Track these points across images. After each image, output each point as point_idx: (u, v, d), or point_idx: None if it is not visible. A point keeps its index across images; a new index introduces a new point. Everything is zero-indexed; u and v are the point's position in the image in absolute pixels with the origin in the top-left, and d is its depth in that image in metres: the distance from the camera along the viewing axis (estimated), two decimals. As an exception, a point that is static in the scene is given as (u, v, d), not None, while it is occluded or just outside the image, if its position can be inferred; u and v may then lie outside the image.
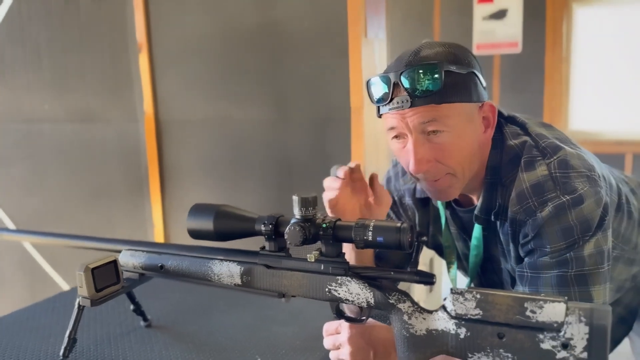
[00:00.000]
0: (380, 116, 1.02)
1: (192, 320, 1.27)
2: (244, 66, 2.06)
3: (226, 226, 0.93)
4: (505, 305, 0.73)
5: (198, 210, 0.95)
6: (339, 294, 0.84)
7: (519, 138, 1.02)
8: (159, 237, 2.37)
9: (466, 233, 1.14)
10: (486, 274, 1.15)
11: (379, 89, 0.97)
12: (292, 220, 0.85)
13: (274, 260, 0.90)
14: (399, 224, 0.79)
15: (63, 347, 1.05)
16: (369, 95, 1.00)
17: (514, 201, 0.97)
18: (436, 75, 0.92)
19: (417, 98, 0.93)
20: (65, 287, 2.69)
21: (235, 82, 2.08)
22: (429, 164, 0.97)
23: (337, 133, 1.89)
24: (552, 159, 0.97)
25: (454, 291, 0.77)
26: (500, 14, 3.86)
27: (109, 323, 1.27)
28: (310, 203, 0.85)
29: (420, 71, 0.92)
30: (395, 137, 1.00)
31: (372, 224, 0.81)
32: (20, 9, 2.47)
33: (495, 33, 3.85)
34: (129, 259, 1.03)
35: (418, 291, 2.27)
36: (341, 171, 1.05)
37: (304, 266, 0.87)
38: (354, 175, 1.07)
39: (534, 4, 4.04)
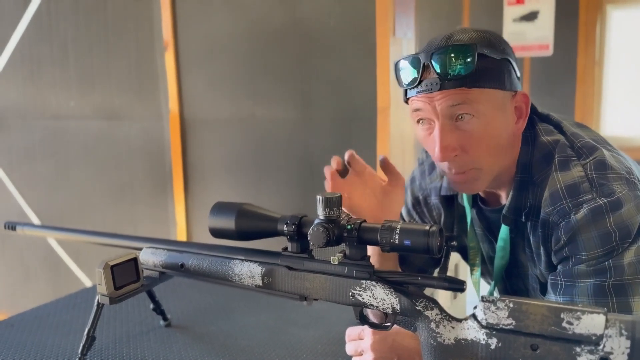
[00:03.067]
0: (407, 101, 0.98)
1: (211, 320, 1.25)
2: (269, 65, 2.05)
3: (248, 225, 0.90)
4: (540, 316, 0.69)
5: (220, 208, 0.93)
6: (363, 298, 0.81)
7: (552, 135, 0.98)
8: (181, 235, 2.37)
9: (492, 234, 1.09)
10: (511, 279, 1.10)
11: (408, 71, 0.93)
12: (316, 221, 0.82)
13: (296, 262, 0.87)
14: (427, 227, 0.76)
15: (81, 345, 1.04)
16: (397, 77, 0.96)
17: (546, 201, 0.92)
18: (469, 58, 0.87)
19: (447, 81, 0.89)
20: (88, 283, 2.70)
21: (259, 81, 2.06)
22: (455, 152, 0.92)
23: (362, 133, 1.86)
24: (588, 160, 0.92)
25: (485, 299, 0.73)
26: (531, 16, 3.78)
27: (129, 321, 1.25)
28: (335, 203, 0.82)
29: (452, 54, 0.88)
30: (422, 122, 0.96)
31: (399, 226, 0.77)
32: (48, 7, 2.49)
33: (526, 35, 3.77)
34: (150, 257, 1.01)
35: (442, 298, 2.22)
36: (334, 163, 1.03)
37: (327, 269, 0.84)
38: (356, 168, 1.03)
39: (567, 6, 3.95)
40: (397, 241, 0.77)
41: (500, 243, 1.04)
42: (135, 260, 0.99)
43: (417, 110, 0.95)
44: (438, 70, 0.89)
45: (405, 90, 0.96)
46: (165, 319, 1.22)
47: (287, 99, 2.02)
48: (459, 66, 0.88)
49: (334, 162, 1.03)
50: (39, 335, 1.20)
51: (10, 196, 2.75)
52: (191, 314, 1.29)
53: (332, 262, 0.81)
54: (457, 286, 0.77)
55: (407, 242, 0.77)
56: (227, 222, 0.91)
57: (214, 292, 1.39)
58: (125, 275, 0.97)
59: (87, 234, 1.18)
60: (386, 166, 1.06)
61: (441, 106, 0.91)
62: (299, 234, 0.86)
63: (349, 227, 0.81)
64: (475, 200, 1.10)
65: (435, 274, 0.83)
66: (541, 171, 0.96)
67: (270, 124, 2.07)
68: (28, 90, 2.63)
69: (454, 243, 0.78)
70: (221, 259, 0.94)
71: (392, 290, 0.79)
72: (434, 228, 0.76)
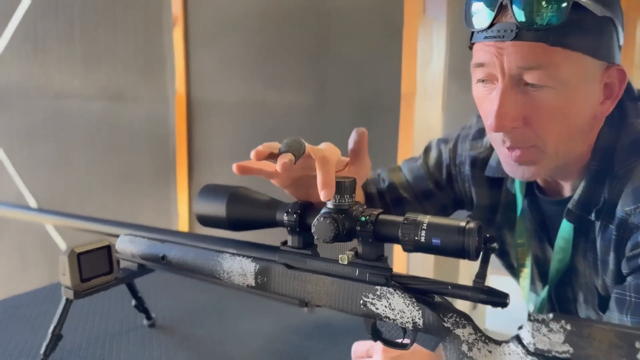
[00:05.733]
0: (471, 47, 0.79)
1: (201, 322, 1.10)
2: (284, 45, 1.89)
3: (241, 212, 0.75)
4: (607, 343, 0.53)
5: (209, 191, 0.78)
6: (376, 308, 0.65)
7: None
8: (183, 226, 2.23)
9: (545, 231, 0.92)
10: (559, 288, 0.92)
11: (481, 11, 0.74)
12: (323, 210, 0.67)
13: (297, 259, 0.71)
14: (463, 223, 0.60)
15: (45, 344, 0.89)
16: (465, 16, 0.77)
17: (628, 198, 0.74)
18: (563, 4, 0.68)
19: (525, 30, 0.70)
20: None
21: (273, 62, 1.91)
22: (515, 123, 0.74)
23: (383, 122, 1.69)
24: None
25: (533, 318, 0.57)
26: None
27: (109, 318, 1.10)
28: (347, 189, 0.67)
29: None
30: (482, 79, 0.77)
31: (426, 220, 0.61)
32: (56, -21, 2.37)
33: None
34: (127, 246, 0.86)
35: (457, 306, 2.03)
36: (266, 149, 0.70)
37: (334, 269, 0.68)
38: (359, 153, 0.79)
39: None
40: (423, 239, 0.61)
41: (560, 243, 0.86)
42: (108, 248, 0.84)
43: (479, 65, 0.76)
44: (517, 13, 0.70)
45: (472, 34, 0.78)
46: (148, 317, 1.07)
47: (301, 82, 1.86)
48: (545, 13, 0.69)
49: (266, 148, 0.70)
50: (8, 329, 1.06)
51: (10, 179, 2.64)
52: (179, 313, 1.14)
53: (340, 262, 0.65)
54: (498, 299, 0.61)
55: (435, 241, 0.61)
56: (217, 208, 0.76)
57: (207, 290, 1.24)
58: (95, 266, 0.82)
59: (51, 215, 1.03)
60: (360, 144, 0.78)
61: (510, 63, 0.72)
62: (301, 225, 0.70)
63: (363, 219, 0.65)
64: (530, 187, 0.92)
65: (459, 280, 0.67)
66: (626, 161, 0.77)
67: (282, 109, 1.91)
68: (32, 69, 2.51)
69: (495, 245, 0.62)
70: (209, 252, 0.79)
71: (413, 300, 0.63)
72: (471, 225, 0.59)
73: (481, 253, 0.62)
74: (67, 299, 0.88)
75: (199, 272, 0.79)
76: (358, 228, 0.65)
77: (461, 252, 0.60)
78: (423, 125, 1.64)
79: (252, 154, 0.69)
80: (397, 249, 1.78)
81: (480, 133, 0.99)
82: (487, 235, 0.62)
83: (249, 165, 0.72)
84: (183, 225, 2.22)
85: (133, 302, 1.05)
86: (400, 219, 0.63)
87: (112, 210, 2.39)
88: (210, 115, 2.11)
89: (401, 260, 1.73)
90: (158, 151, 2.26)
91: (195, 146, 2.15)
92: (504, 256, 1.02)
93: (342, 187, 0.67)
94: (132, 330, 1.05)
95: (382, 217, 0.65)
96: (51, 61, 2.44)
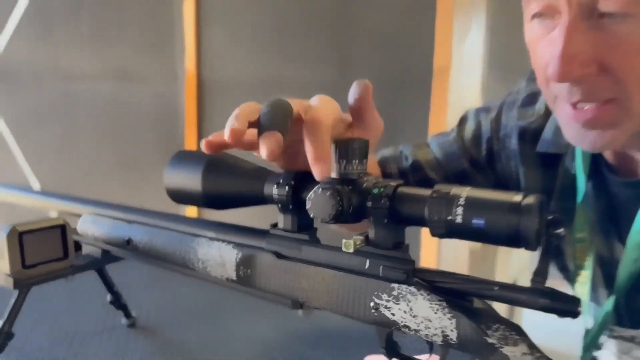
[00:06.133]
0: None
1: (190, 324, 0.94)
2: (302, 17, 1.72)
3: (221, 185, 0.58)
4: None
5: (182, 159, 0.62)
6: (392, 314, 0.48)
7: None
8: (191, 212, 2.07)
9: (614, 222, 0.72)
10: (631, 297, 0.71)
11: None
12: (323, 181, 0.50)
13: (290, 246, 0.54)
14: (518, 197, 0.42)
15: (-8, 345, 0.74)
16: None
17: None
18: None
19: None
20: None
21: (290, 36, 1.74)
22: (585, 69, 0.55)
23: (413, 99, 1.50)
24: None
25: (616, 334, 0.39)
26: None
27: (83, 315, 0.95)
28: (355, 153, 0.50)
29: None
30: (539, 14, 0.58)
31: (464, 193, 0.44)
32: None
33: None
34: (89, 227, 0.71)
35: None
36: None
37: (337, 260, 0.51)
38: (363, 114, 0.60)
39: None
40: (459, 219, 0.43)
41: (635, 238, 0.67)
42: (62, 228, 0.68)
43: None
44: None
45: None
46: (128, 316, 0.91)
47: (321, 57, 1.67)
48: None
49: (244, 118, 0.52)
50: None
51: (15, 162, 2.53)
52: (166, 313, 0.98)
53: (344, 249, 0.48)
54: (566, 306, 0.43)
55: (477, 222, 0.43)
56: (191, 180, 0.59)
57: (202, 287, 1.06)
58: (44, 249, 0.67)
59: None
60: (362, 101, 0.59)
61: None
62: (295, 202, 0.53)
63: (376, 191, 0.48)
64: (595, 165, 0.72)
65: (515, 280, 0.49)
66: None
67: (300, 87, 1.73)
68: (40, 49, 2.40)
69: (561, 231, 0.43)
70: (182, 236, 0.62)
71: (444, 304, 0.46)
72: (530, 200, 0.42)
73: (543, 241, 0.44)
74: (20, 291, 0.72)
75: (169, 261, 0.63)
76: (369, 204, 0.48)
77: (515, 238, 0.42)
78: (458, 104, 1.45)
79: (227, 134, 0.51)
80: (423, 236, 1.58)
81: (532, 98, 0.79)
82: (551, 217, 0.44)
83: (219, 140, 0.54)
84: (191, 210, 2.07)
85: (108, 297, 0.89)
86: (427, 192, 0.46)
87: (118, 194, 2.26)
88: (222, 96, 1.95)
89: (429, 254, 1.52)
90: (166, 133, 2.12)
91: (206, 128, 2.00)
92: (557, 255, 0.83)
93: (349, 151, 0.50)
94: (107, 331, 0.89)
95: (402, 189, 0.48)
96: (59, 40, 2.33)
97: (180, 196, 0.61)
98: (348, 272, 0.50)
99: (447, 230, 0.44)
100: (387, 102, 1.57)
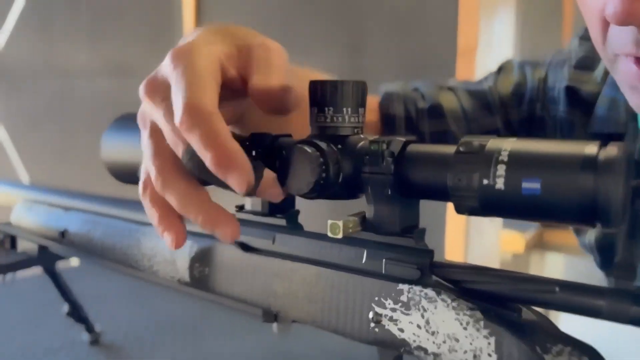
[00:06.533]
0: None
1: (163, 342, 0.79)
2: (307, 1, 1.58)
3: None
4: None
5: (124, 125, 0.48)
6: (401, 329, 0.33)
7: None
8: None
9: None
10: None
11: None
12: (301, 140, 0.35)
13: (259, 235, 0.40)
14: (593, 148, 0.27)
15: None
16: None
17: None
18: None
19: None
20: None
21: (295, 22, 1.59)
22: None
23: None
24: None
25: None
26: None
27: (38, 329, 0.81)
28: (346, 97, 0.35)
29: None
30: None
31: (508, 145, 0.29)
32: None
33: None
34: (24, 217, 0.57)
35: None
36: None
37: (322, 252, 0.37)
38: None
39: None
40: (501, 183, 0.28)
41: None
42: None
43: None
44: None
45: None
46: (90, 330, 0.76)
47: (332, 41, 1.51)
48: None
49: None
50: None
51: (10, 165, 2.42)
52: (137, 327, 0.83)
53: (330, 235, 0.33)
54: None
55: (530, 187, 0.28)
56: (135, 150, 0.45)
57: (183, 298, 0.91)
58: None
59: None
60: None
61: None
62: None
63: (374, 148, 0.33)
64: None
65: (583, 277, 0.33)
66: None
67: (306, 76, 1.60)
68: (37, 45, 2.29)
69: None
70: (125, 225, 0.48)
71: (477, 314, 0.30)
72: (612, 151, 0.26)
73: (626, 217, 0.29)
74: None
75: (109, 257, 0.48)
76: (367, 170, 0.33)
77: (588, 210, 0.27)
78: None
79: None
80: (449, 224, 1.38)
81: (590, 61, 0.63)
82: (636, 183, 0.29)
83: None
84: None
85: (66, 307, 0.74)
86: (450, 148, 0.31)
87: (117, 194, 2.13)
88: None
89: (455, 245, 1.30)
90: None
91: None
92: (605, 251, 0.66)
93: (338, 93, 0.35)
94: (64, 349, 0.75)
95: (413, 147, 0.33)
96: (58, 36, 2.23)
97: (122, 172, 0.46)
98: (337, 269, 0.35)
99: (483, 202, 0.29)
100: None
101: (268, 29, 1.62)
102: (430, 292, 0.31)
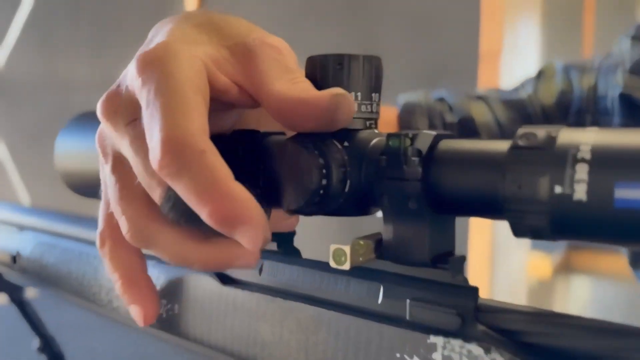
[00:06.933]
0: None
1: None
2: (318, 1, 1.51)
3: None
4: None
5: (83, 125, 0.39)
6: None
7: None
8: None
9: None
10: None
11: None
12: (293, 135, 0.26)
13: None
14: None
15: None
16: None
17: None
18: None
19: None
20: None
21: (307, 22, 1.52)
22: None
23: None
24: None
25: None
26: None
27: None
28: (358, 78, 0.26)
29: None
30: None
31: (589, 138, 0.19)
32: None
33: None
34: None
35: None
36: None
37: (323, 287, 0.27)
38: None
39: None
40: (582, 191, 0.19)
41: None
42: None
43: None
44: None
45: None
46: (64, 365, 0.67)
47: (345, 43, 1.44)
48: None
49: None
50: None
51: (10, 185, 2.37)
52: None
53: (334, 265, 0.24)
54: None
55: (627, 196, 0.18)
56: (96, 155, 0.36)
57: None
58: None
59: None
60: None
61: None
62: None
63: (392, 144, 0.23)
64: None
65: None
66: None
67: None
68: (39, 63, 2.26)
69: None
70: (83, 247, 0.39)
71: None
72: None
73: None
74: None
75: (65, 288, 0.39)
76: (384, 175, 0.24)
77: None
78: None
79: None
80: (471, 243, 1.26)
81: None
82: None
83: None
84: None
85: (37, 342, 0.65)
86: (503, 144, 0.22)
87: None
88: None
89: (480, 271, 1.18)
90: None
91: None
92: None
93: (344, 72, 0.26)
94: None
95: (448, 143, 0.24)
96: (58, 50, 2.18)
97: (79, 183, 0.38)
98: (343, 311, 0.26)
99: (555, 220, 0.20)
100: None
101: (275, 32, 1.55)
102: (475, 349, 0.22)
